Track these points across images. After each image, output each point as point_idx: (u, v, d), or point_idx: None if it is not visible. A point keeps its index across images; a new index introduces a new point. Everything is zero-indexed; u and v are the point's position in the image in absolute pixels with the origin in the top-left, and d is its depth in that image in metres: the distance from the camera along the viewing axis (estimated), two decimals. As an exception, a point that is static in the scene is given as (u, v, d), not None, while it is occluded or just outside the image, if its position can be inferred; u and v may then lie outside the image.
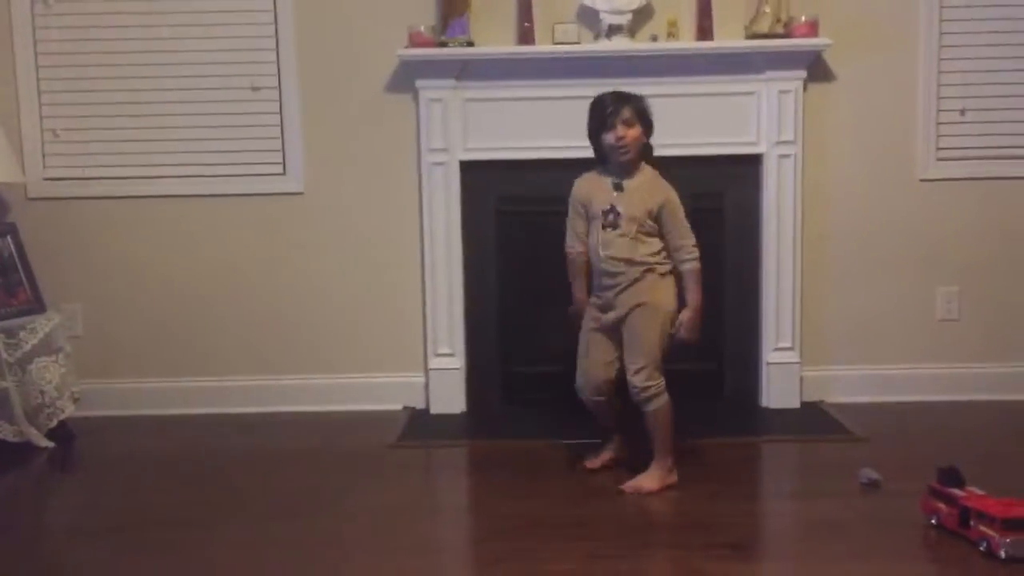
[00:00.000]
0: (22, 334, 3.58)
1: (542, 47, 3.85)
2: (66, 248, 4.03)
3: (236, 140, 4.02)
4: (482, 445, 3.62)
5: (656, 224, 3.07)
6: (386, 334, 4.08)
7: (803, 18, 3.79)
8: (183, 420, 3.98)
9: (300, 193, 4.04)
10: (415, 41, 3.82)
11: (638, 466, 3.14)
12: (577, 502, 2.98)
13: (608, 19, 3.85)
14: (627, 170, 3.09)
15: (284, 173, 4.04)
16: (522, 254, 3.99)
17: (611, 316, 3.10)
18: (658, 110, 3.78)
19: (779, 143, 3.89)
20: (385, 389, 4.08)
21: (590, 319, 3.17)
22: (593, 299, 3.17)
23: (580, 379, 3.19)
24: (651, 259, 3.06)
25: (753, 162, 3.93)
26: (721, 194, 3.97)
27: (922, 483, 2.76)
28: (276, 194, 4.04)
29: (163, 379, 4.09)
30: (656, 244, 3.08)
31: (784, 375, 3.98)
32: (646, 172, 3.12)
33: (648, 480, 3.06)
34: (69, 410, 3.71)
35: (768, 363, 3.98)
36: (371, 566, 2.55)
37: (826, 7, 3.86)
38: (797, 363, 3.98)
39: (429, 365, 4.03)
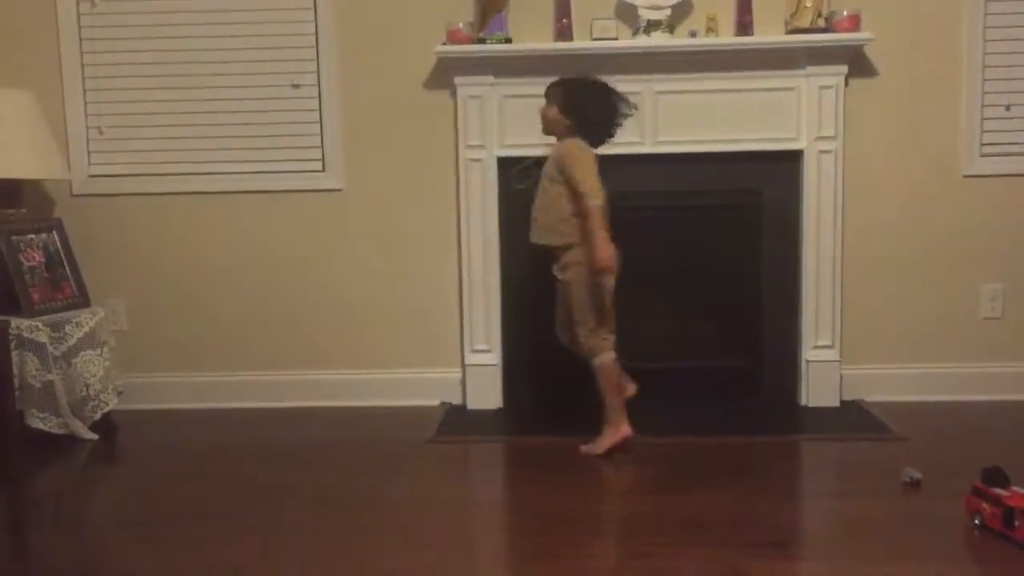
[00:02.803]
0: (67, 328, 3.64)
1: (580, 43, 3.85)
2: (110, 243, 4.10)
3: (277, 137, 4.06)
4: (518, 441, 3.62)
5: (563, 176, 3.34)
6: (423, 330, 4.10)
7: (845, 12, 3.75)
8: (223, 414, 4.04)
9: (339, 190, 4.07)
10: (453, 38, 3.83)
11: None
12: (615, 499, 2.98)
13: (647, 15, 3.83)
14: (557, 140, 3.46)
15: (324, 170, 4.07)
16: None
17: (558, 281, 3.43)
18: (697, 106, 3.84)
19: (820, 139, 3.85)
20: (422, 385, 4.10)
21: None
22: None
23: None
24: (566, 216, 3.34)
25: (793, 158, 3.90)
26: (761, 190, 3.94)
27: (964, 483, 2.72)
28: (316, 191, 4.07)
29: (204, 373, 4.14)
30: (569, 205, 3.33)
31: (824, 373, 3.94)
32: (565, 142, 3.40)
33: (597, 444, 3.36)
34: (112, 403, 3.77)
35: (808, 361, 3.95)
36: (407, 560, 2.56)
37: (868, 1, 3.81)
38: (837, 361, 3.95)
39: (466, 361, 4.04)
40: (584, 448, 3.37)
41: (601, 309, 3.35)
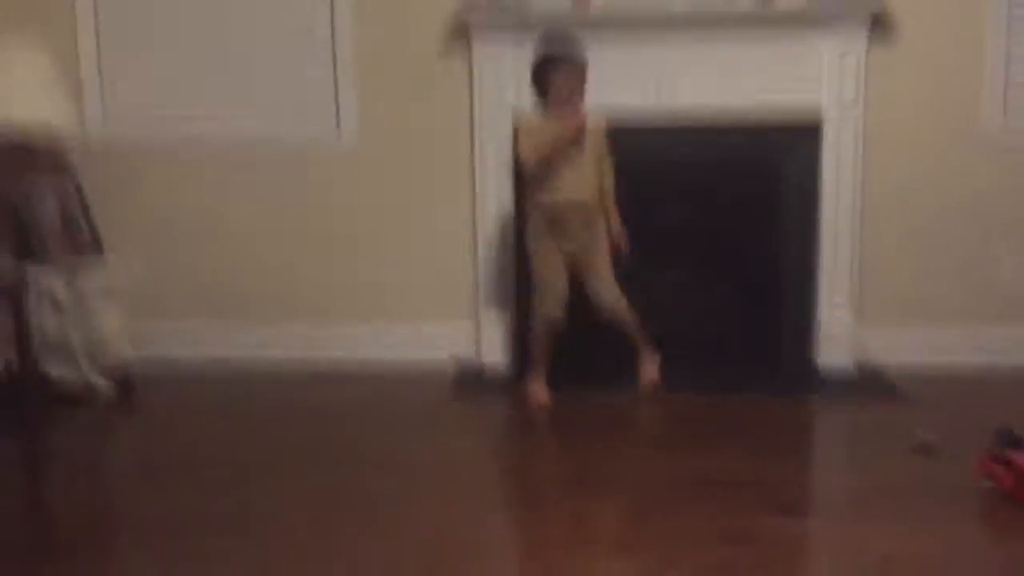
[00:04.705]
0: (83, 278, 3.65)
1: (600, 4, 3.80)
2: (124, 195, 4.10)
3: (291, 95, 4.04)
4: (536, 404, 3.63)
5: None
6: (438, 285, 4.11)
7: (869, -26, 3.70)
8: (237, 364, 4.06)
9: (354, 151, 4.06)
10: (473, -2, 3.80)
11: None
12: (626, 458, 2.99)
13: (669, -25, 3.79)
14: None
15: (338, 129, 4.05)
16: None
17: (571, 246, 3.52)
18: (718, 70, 3.79)
19: (841, 102, 3.81)
20: (435, 339, 4.11)
21: (553, 244, 3.53)
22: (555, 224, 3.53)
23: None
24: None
25: (814, 123, 3.86)
26: (780, 156, 3.91)
27: (979, 447, 2.72)
28: (330, 152, 4.07)
29: (218, 324, 4.16)
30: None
31: (840, 336, 3.94)
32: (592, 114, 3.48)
33: (653, 370, 3.66)
34: (127, 353, 3.78)
35: (824, 322, 3.94)
36: (421, 520, 2.56)
37: (892, -37, 3.77)
38: (853, 323, 3.93)
39: (480, 318, 4.04)
40: (647, 380, 3.65)
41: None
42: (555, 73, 3.40)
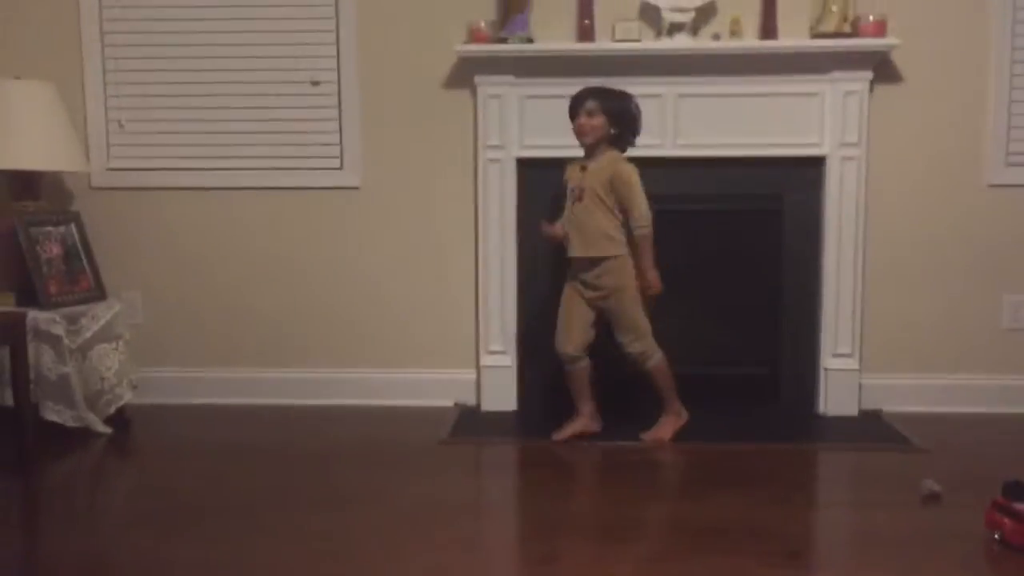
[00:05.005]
0: (83, 321, 3.65)
1: (602, 44, 3.82)
2: (128, 237, 4.10)
3: (295, 134, 4.06)
4: (533, 443, 3.60)
5: (614, 195, 3.44)
6: (439, 330, 4.09)
7: (871, 17, 3.71)
8: (237, 410, 4.04)
9: (357, 188, 4.06)
10: (475, 37, 3.81)
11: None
12: (630, 503, 2.95)
13: (670, 17, 3.80)
14: (591, 154, 3.50)
15: (341, 168, 4.06)
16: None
17: (591, 295, 3.52)
18: (719, 110, 3.81)
19: (843, 145, 3.82)
20: (437, 385, 4.09)
21: (571, 288, 3.57)
22: (580, 273, 3.54)
23: (560, 337, 3.60)
24: (614, 233, 3.45)
25: (816, 164, 3.86)
26: (782, 196, 3.91)
27: (985, 497, 2.67)
28: (333, 188, 4.06)
29: (219, 369, 4.14)
30: (616, 221, 3.46)
31: (843, 382, 3.90)
32: (608, 155, 3.49)
33: (662, 430, 3.55)
34: (127, 397, 3.78)
35: (827, 369, 3.91)
36: (418, 561, 2.54)
37: (894, 6, 3.78)
38: (856, 370, 3.91)
39: (481, 362, 4.02)
40: (652, 436, 3.56)
41: (646, 317, 3.52)
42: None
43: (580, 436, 3.58)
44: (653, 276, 3.46)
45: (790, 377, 3.97)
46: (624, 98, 3.51)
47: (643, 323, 3.51)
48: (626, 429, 3.60)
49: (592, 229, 3.47)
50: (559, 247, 3.60)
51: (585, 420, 3.60)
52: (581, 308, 3.54)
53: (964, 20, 3.84)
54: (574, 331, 3.55)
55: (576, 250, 3.51)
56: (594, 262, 3.49)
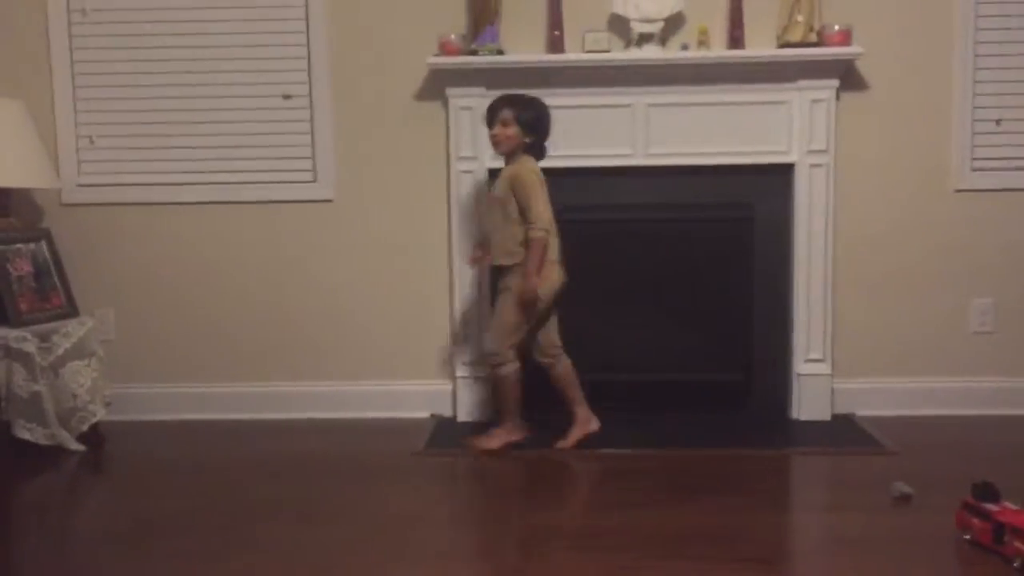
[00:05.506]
0: (55, 338, 3.63)
1: (572, 55, 3.85)
2: (99, 253, 4.08)
3: (267, 148, 4.06)
4: (506, 454, 3.60)
5: (514, 199, 3.45)
6: (414, 342, 4.09)
7: (836, 27, 3.76)
8: (212, 425, 4.02)
9: (330, 200, 4.06)
10: (445, 49, 3.83)
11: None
12: (601, 512, 2.96)
13: (639, 27, 3.83)
14: (508, 163, 3.54)
15: (315, 180, 4.06)
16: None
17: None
18: (688, 119, 3.84)
19: (811, 152, 3.86)
20: (412, 396, 4.09)
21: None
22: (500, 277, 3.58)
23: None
24: (520, 240, 3.45)
25: (784, 172, 3.90)
26: (752, 204, 3.94)
27: (955, 498, 2.71)
28: (307, 201, 4.07)
29: (193, 384, 4.12)
30: (522, 228, 3.45)
31: (815, 387, 3.94)
32: (520, 161, 3.50)
33: (489, 440, 3.58)
34: (100, 414, 3.75)
35: (799, 374, 3.94)
36: (394, 574, 2.54)
37: (859, 16, 3.83)
38: (828, 375, 3.94)
39: (456, 373, 4.02)
40: (478, 441, 3.60)
41: (520, 326, 3.51)
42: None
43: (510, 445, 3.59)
44: (534, 283, 3.42)
45: (763, 382, 4.00)
46: (538, 106, 3.54)
47: (509, 329, 3.50)
48: (598, 440, 3.62)
49: (499, 239, 3.52)
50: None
51: (510, 431, 3.62)
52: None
53: (928, 28, 3.90)
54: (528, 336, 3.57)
55: (496, 258, 3.56)
56: (504, 270, 3.54)
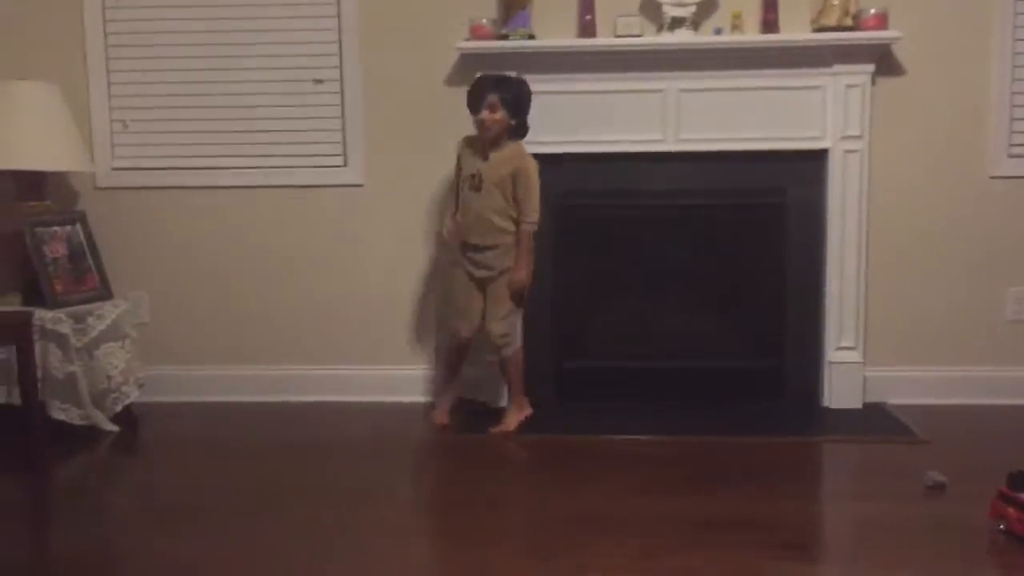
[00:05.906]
0: (90, 320, 3.66)
1: (604, 40, 3.83)
2: (133, 236, 4.12)
3: (298, 132, 4.07)
4: (533, 439, 3.60)
5: (512, 188, 3.53)
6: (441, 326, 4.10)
7: (872, 11, 3.71)
8: (244, 407, 4.05)
9: (360, 185, 4.07)
10: (476, 34, 3.82)
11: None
12: (629, 498, 2.96)
13: (671, 11, 3.81)
14: (493, 145, 3.56)
15: (345, 165, 4.07)
16: (579, 248, 3.97)
17: (483, 274, 3.60)
18: (721, 104, 3.81)
19: (845, 138, 3.82)
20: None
21: (464, 272, 3.66)
22: (470, 254, 3.63)
23: (460, 322, 3.69)
24: (511, 220, 3.55)
25: (818, 157, 3.86)
26: (784, 189, 3.91)
27: (989, 487, 2.68)
28: (337, 185, 4.08)
29: (224, 367, 4.16)
30: (512, 210, 3.54)
31: (847, 375, 3.91)
32: (511, 147, 3.56)
33: (508, 422, 3.66)
34: (134, 395, 3.79)
35: (831, 362, 3.91)
36: (422, 556, 2.55)
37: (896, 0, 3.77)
38: (860, 363, 3.91)
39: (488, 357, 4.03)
40: (500, 428, 3.65)
41: (517, 309, 3.67)
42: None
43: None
44: (525, 272, 3.57)
45: (794, 370, 3.97)
46: (520, 86, 3.58)
47: (513, 311, 3.63)
48: (627, 426, 3.61)
49: (491, 217, 3.55)
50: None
51: (521, 407, 3.73)
52: (475, 291, 3.64)
53: (966, 12, 3.84)
54: (473, 314, 3.65)
55: (474, 237, 3.59)
56: (490, 246, 3.58)
